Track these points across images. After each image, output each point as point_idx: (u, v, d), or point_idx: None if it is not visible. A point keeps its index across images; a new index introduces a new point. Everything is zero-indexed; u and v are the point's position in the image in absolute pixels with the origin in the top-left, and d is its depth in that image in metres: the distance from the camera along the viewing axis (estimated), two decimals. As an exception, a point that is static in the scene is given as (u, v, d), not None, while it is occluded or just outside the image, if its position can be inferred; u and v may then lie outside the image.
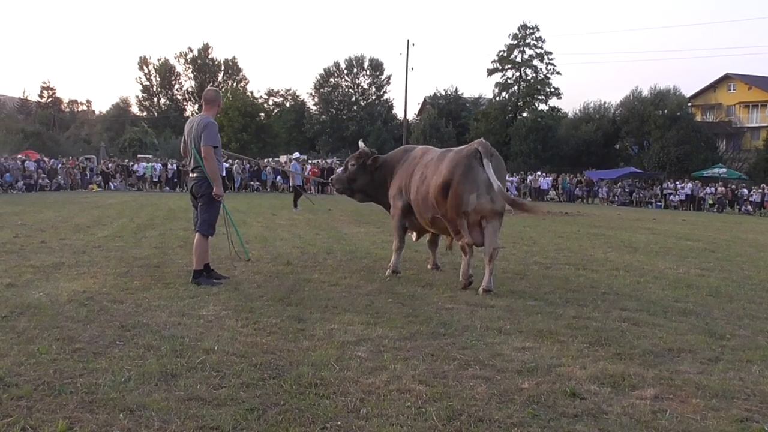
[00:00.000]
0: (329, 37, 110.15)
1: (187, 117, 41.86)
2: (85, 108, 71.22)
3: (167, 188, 31.42)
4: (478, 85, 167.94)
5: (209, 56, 63.67)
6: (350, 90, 59.74)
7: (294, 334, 4.50)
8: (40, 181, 27.95)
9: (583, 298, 6.16)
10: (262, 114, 50.12)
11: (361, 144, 7.81)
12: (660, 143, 42.63)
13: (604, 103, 51.06)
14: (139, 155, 40.88)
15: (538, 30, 49.39)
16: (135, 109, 65.61)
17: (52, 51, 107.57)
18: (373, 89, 60.39)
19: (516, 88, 50.67)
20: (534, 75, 50.18)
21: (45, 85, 64.31)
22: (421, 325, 4.83)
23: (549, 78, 49.97)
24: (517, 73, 50.57)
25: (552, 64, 49.75)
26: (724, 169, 36.97)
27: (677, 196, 33.44)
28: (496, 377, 3.72)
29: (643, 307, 5.83)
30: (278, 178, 32.72)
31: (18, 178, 27.18)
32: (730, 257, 10.29)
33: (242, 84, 61.24)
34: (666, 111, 44.81)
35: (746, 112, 51.20)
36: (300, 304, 5.46)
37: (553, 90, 50.09)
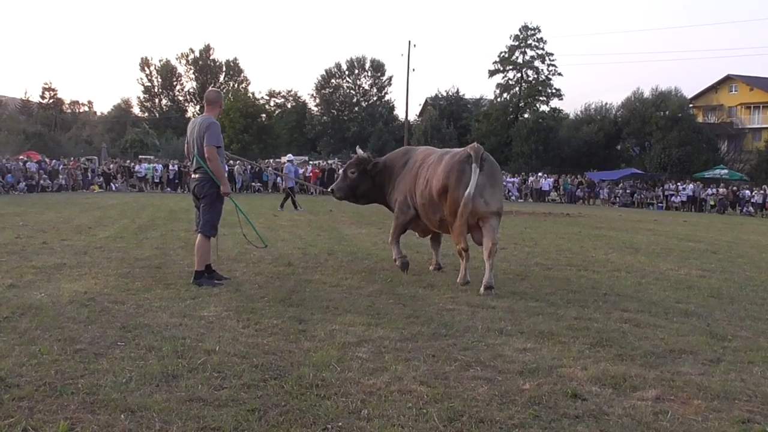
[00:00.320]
0: (330, 38, 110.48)
1: (189, 118, 41.91)
2: (86, 109, 71.48)
3: (168, 189, 31.47)
4: (480, 86, 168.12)
5: (211, 57, 63.80)
6: (351, 91, 59.80)
7: (295, 335, 4.50)
8: (41, 182, 28.00)
9: (584, 299, 6.16)
10: (264, 115, 50.12)
11: (359, 150, 7.88)
12: (661, 144, 42.58)
13: (606, 104, 51.09)
14: (140, 156, 40.98)
15: (539, 31, 49.47)
16: (136, 110, 65.86)
17: (53, 52, 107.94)
18: (375, 90, 60.48)
19: (517, 89, 50.65)
20: (535, 76, 50.15)
21: (47, 86, 64.58)
22: (423, 326, 4.83)
23: (550, 79, 49.99)
24: (519, 74, 50.57)
25: (553, 65, 49.83)
26: (726, 171, 36.89)
27: (679, 198, 33.40)
28: (498, 378, 3.72)
29: (645, 308, 5.82)
30: (278, 179, 32.74)
31: (19, 179, 27.23)
32: (731, 258, 10.28)
33: (244, 85, 61.42)
34: (667, 112, 44.75)
35: (748, 113, 51.13)
36: (301, 305, 5.46)
37: (554, 91, 50.08)
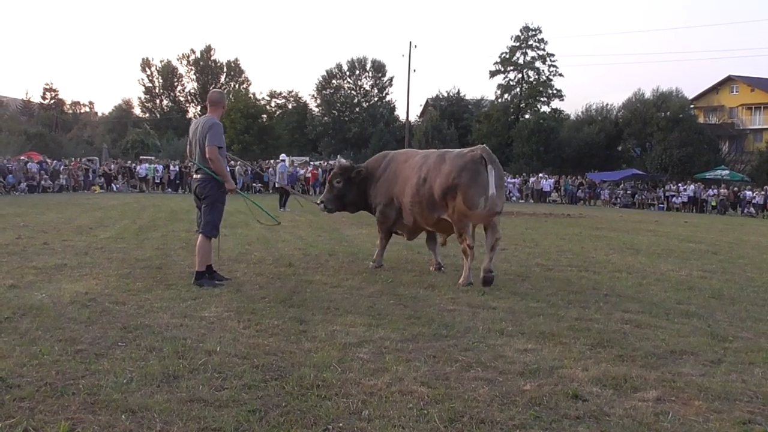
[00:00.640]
0: (331, 39, 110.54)
1: (190, 119, 42.04)
2: (87, 109, 71.54)
3: (169, 190, 31.51)
4: (480, 86, 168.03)
5: (212, 58, 63.90)
6: (352, 92, 59.78)
7: (296, 335, 4.50)
8: (42, 182, 28.03)
9: (585, 299, 6.15)
10: (265, 116, 50.18)
11: (340, 159, 7.99)
12: (662, 145, 42.54)
13: (607, 105, 50.98)
14: (141, 157, 41.06)
15: (540, 32, 49.38)
16: (137, 110, 65.94)
17: (54, 52, 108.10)
18: (375, 91, 60.44)
19: (518, 89, 50.61)
20: (536, 77, 50.08)
21: (48, 87, 64.74)
22: (423, 327, 4.83)
23: (551, 80, 49.92)
24: (519, 75, 50.52)
25: (554, 66, 49.74)
26: (727, 171, 36.84)
27: (680, 198, 33.38)
28: (498, 379, 3.72)
29: (646, 309, 5.82)
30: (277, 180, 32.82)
31: (21, 180, 27.26)
32: (732, 259, 10.27)
33: (245, 86, 61.45)
34: (668, 113, 44.70)
35: (749, 114, 51.06)
36: (302, 305, 5.46)
37: (555, 92, 50.01)
